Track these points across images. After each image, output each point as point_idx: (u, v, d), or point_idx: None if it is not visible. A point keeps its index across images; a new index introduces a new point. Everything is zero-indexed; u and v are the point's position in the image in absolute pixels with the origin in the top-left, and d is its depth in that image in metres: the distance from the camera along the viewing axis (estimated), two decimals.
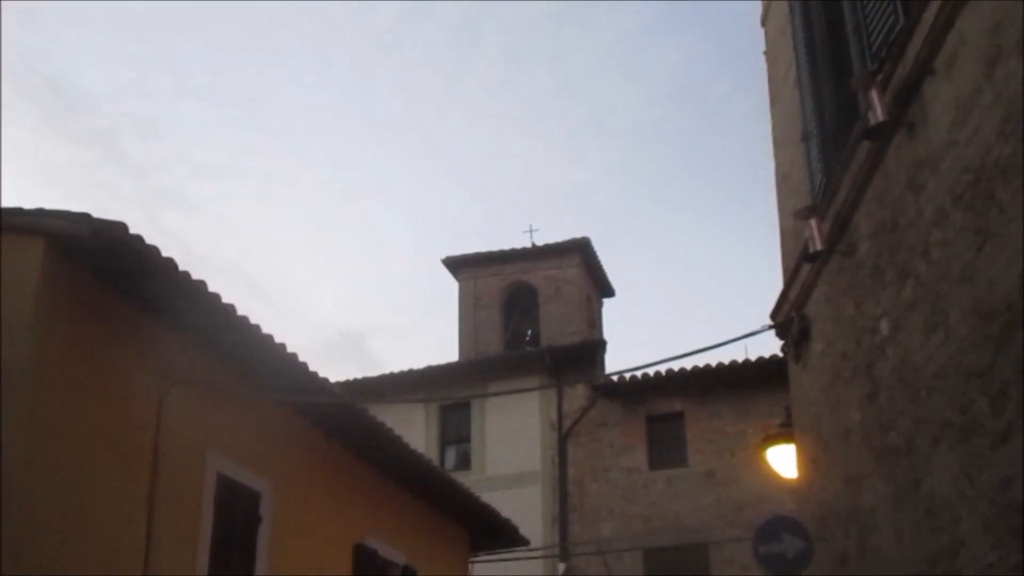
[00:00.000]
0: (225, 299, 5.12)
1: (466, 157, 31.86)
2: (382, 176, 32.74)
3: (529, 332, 16.37)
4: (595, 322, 16.26)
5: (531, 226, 16.85)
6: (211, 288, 4.97)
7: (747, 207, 33.35)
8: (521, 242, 16.66)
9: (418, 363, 17.65)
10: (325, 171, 32.94)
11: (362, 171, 32.84)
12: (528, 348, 14.91)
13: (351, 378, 13.41)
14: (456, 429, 13.19)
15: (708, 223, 32.95)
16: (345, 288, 33.05)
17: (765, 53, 6.49)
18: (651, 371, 12.31)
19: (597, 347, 13.41)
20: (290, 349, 5.74)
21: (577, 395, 12.94)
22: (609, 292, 16.92)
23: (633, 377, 12.51)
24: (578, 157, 32.70)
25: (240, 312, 5.25)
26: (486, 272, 15.74)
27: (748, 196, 33.35)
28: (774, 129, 6.38)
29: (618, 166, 32.66)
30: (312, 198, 33.10)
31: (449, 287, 16.37)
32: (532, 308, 15.72)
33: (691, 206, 33.17)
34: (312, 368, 5.98)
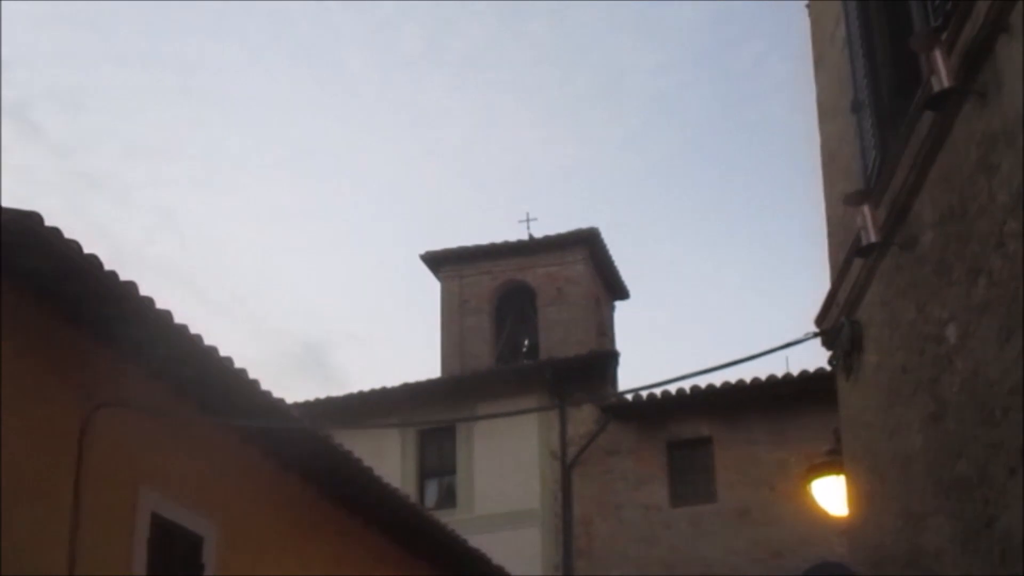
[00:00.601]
0: (161, 304, 5.15)
1: (449, 132, 31.24)
2: (349, 156, 32.14)
3: (526, 342, 16.55)
4: (605, 330, 16.42)
5: (528, 214, 16.37)
6: (144, 291, 5.00)
7: (786, 192, 33.12)
8: (516, 233, 16.84)
9: (392, 380, 17.79)
10: (280, 150, 32.15)
11: (324, 150, 32.23)
12: (525, 361, 15.00)
13: (312, 398, 13.52)
14: (438, 459, 13.31)
15: (739, 211, 32.60)
16: (305, 290, 32.63)
17: (808, 6, 6.35)
18: (672, 388, 12.44)
19: (608, 360, 13.49)
20: (239, 364, 5.82)
21: (584, 417, 13.01)
22: (622, 294, 17.16)
23: (651, 395, 12.59)
24: (583, 132, 32.23)
25: (179, 320, 5.30)
26: (474, 270, 15.85)
27: (787, 179, 33.02)
28: (818, 98, 6.20)
29: (631, 143, 32.02)
30: (265, 183, 32.29)
31: (429, 288, 16.69)
32: (529, 313, 15.88)
33: (718, 191, 32.86)
34: (265, 387, 6.06)
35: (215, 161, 31.09)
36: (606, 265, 16.30)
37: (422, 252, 15.91)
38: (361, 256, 31.86)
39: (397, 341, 31.62)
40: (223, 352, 5.72)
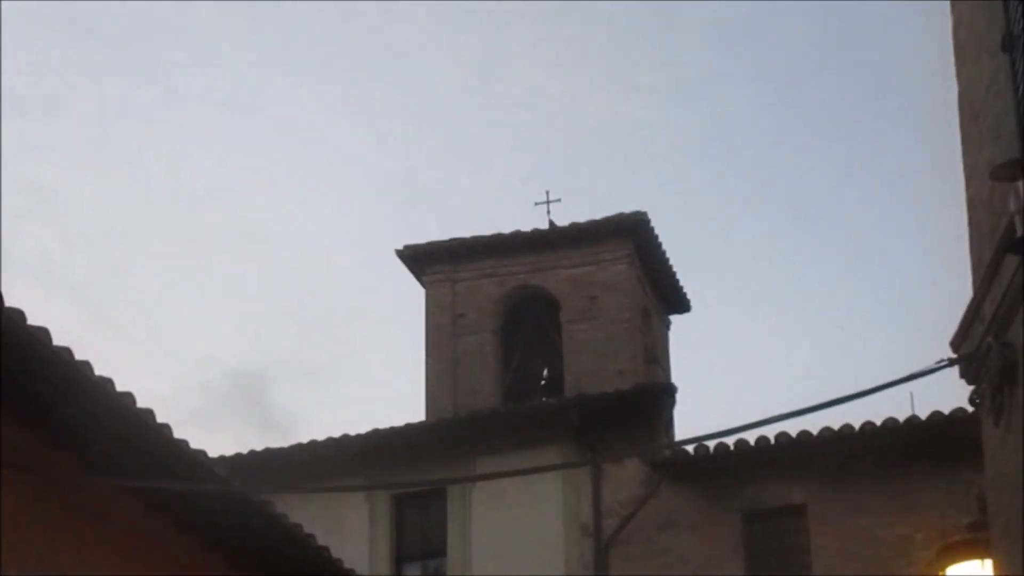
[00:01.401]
0: (34, 321, 5.17)
1: (438, 85, 30.95)
2: (296, 115, 31.81)
3: (545, 372, 16.68)
4: (656, 355, 16.48)
5: (548, 195, 16.41)
6: (8, 303, 5.02)
7: (906, 163, 31.67)
8: (531, 220, 16.85)
9: (357, 425, 17.74)
10: (209, 112, 31.49)
11: (270, 112, 31.78)
12: (544, 399, 15.14)
13: (244, 451, 13.58)
14: (422, 535, 13.36)
15: (839, 190, 31.90)
16: (237, 304, 32.24)
17: None
18: (751, 437, 12.32)
19: (660, 397, 13.47)
20: (142, 404, 5.84)
21: (627, 477, 12.97)
22: (680, 305, 17.23)
23: (721, 447, 12.56)
24: (622, 80, 31.50)
25: (58, 344, 5.30)
26: (472, 271, 15.97)
27: (908, 145, 32.26)
28: (955, 34, 6.18)
29: (688, 95, 31.25)
30: (185, 157, 31.84)
31: (410, 298, 16.77)
32: (550, 332, 15.98)
33: (810, 161, 32.19)
34: (179, 435, 6.07)
35: (120, 123, 30.71)
36: (658, 265, 16.34)
37: (400, 247, 16.03)
38: (314, 255, 31.97)
39: (364, 372, 31.70)
40: (121, 387, 5.74)
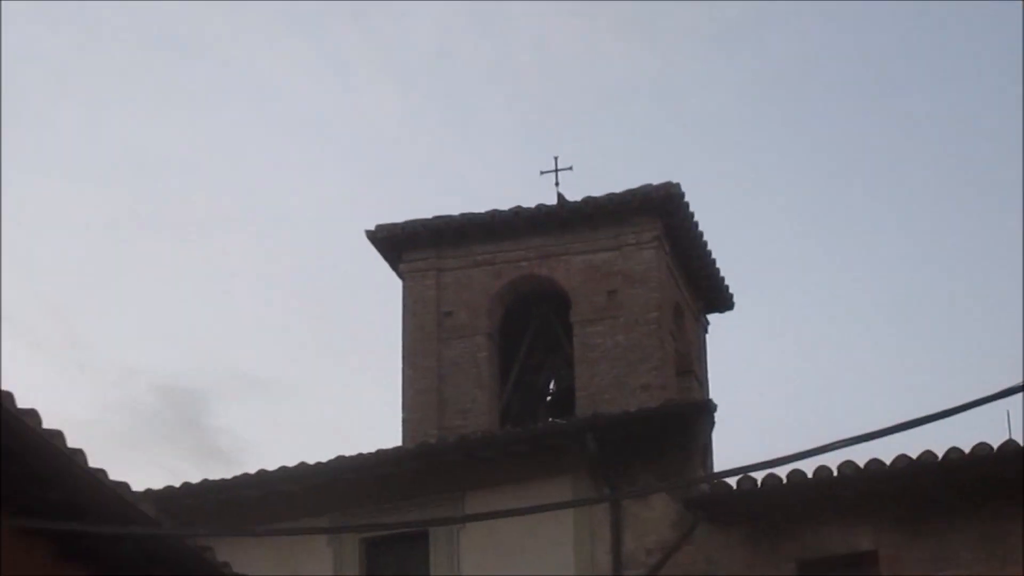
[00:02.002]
0: None
1: (421, 33, 31.16)
2: (252, 73, 31.87)
3: (552, 386, 16.89)
4: (692, 364, 16.61)
5: (556, 162, 16.47)
6: None
7: (997, 126, 31.77)
8: (536, 195, 16.88)
9: (319, 452, 17.76)
10: (141, 61, 31.41)
11: (213, 60, 31.75)
12: (551, 420, 14.92)
13: (178, 483, 13.54)
14: None
15: (910, 162, 32.08)
16: (172, 306, 32.27)
17: None
18: (808, 467, 12.44)
19: (696, 418, 13.37)
20: (49, 425, 5.84)
21: (655, 517, 12.86)
22: (720, 301, 17.42)
23: (771, 480, 12.47)
24: (646, 27, 32.02)
25: None
26: (461, 259, 16.13)
27: (1005, 103, 32.14)
28: None
29: (726, 42, 31.85)
30: (106, 116, 31.86)
31: (384, 292, 16.86)
32: (559, 335, 16.09)
33: (881, 124, 32.26)
34: (95, 464, 6.07)
35: (11, 72, 30.13)
36: (693, 250, 16.42)
37: (371, 228, 16.17)
38: (267, 240, 32.09)
39: (328, 387, 31.87)
40: (21, 403, 5.71)
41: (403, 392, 15.74)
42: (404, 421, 15.59)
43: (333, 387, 31.78)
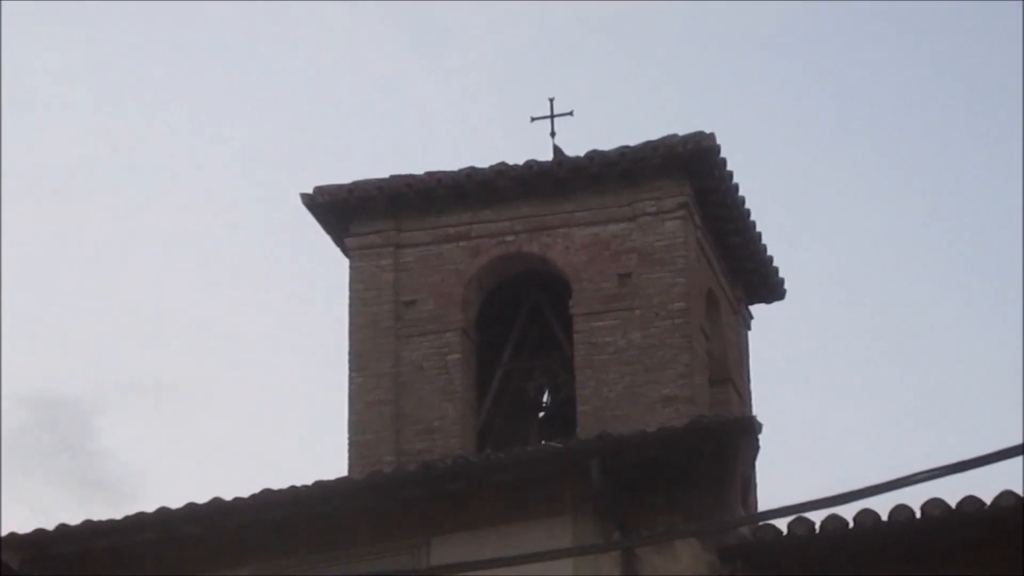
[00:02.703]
0: None
1: None
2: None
3: (546, 398, 17.09)
4: (728, 370, 16.70)
5: (552, 106, 16.50)
6: None
7: None
8: (524, 149, 17.66)
9: (240, 484, 17.60)
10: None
11: None
12: (545, 443, 15.07)
13: (51, 525, 13.25)
14: None
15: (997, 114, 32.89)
16: (46, 295, 33.41)
17: None
18: (881, 506, 12.31)
19: (734, 440, 13.21)
20: None
21: (680, 568, 12.67)
22: (767, 289, 17.62)
23: (833, 524, 12.36)
24: None
25: None
26: (427, 231, 16.21)
27: None
28: None
29: None
30: None
31: (326, 276, 16.99)
32: (555, 330, 16.21)
33: (963, 73, 33.01)
34: None
35: None
36: (732, 222, 16.51)
37: (308, 191, 16.28)
38: (172, 210, 33.05)
39: (249, 401, 33.36)
40: None
41: (350, 405, 15.79)
42: (351, 443, 15.62)
43: (257, 399, 32.59)
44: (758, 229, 16.81)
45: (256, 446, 30.62)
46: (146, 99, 33.61)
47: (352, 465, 15.35)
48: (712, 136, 15.58)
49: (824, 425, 30.08)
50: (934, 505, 12.19)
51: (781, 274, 17.54)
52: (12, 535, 12.62)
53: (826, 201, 31.75)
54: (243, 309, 31.69)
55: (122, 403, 33.06)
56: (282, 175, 31.74)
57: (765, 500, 15.14)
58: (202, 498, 13.23)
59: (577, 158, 15.89)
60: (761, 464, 14.24)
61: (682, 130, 15.64)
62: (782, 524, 12.47)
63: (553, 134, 16.38)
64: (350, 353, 16.00)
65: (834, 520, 12.31)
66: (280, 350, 32.02)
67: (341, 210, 16.21)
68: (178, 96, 33.70)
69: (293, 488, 13.16)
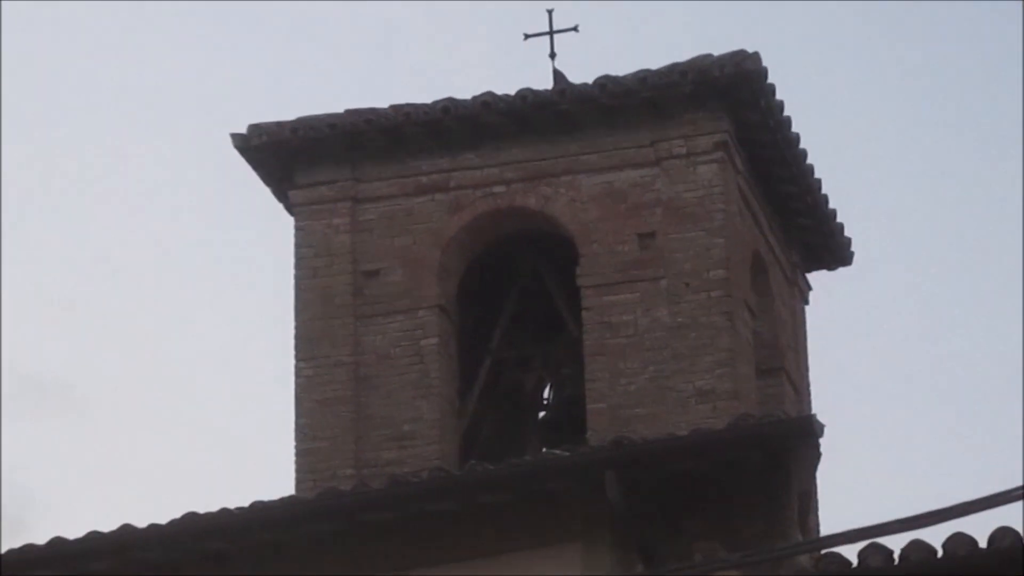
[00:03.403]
0: None
1: None
2: None
3: (548, 392, 17.34)
4: (782, 355, 16.80)
5: (551, 18, 16.47)
6: None
7: None
8: (517, 75, 17.09)
9: (152, 509, 17.47)
10: None
11: None
12: (548, 451, 14.99)
13: None
14: None
15: None
16: None
17: None
18: (980, 531, 12.01)
19: (791, 447, 13.19)
20: None
21: None
22: (830, 253, 17.75)
23: (916, 551, 12.22)
24: None
25: None
26: (394, 181, 16.25)
27: None
28: None
29: None
30: None
31: (266, 243, 16.84)
32: (559, 307, 16.30)
33: None
34: None
35: None
36: (786, 167, 16.55)
37: (241, 131, 16.27)
38: (76, 158, 32.98)
39: (169, 401, 33.42)
40: None
41: (297, 404, 15.84)
42: (299, 453, 15.67)
43: (180, 398, 32.57)
44: (817, 175, 16.78)
45: (179, 458, 30.65)
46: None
47: (300, 481, 15.40)
48: (757, 56, 15.55)
49: (903, 425, 30.08)
50: None
51: (848, 232, 17.56)
52: None
53: (907, 139, 31.63)
54: (160, 285, 31.63)
55: (8, 403, 33.02)
56: (209, 111, 31.83)
57: (828, 522, 15.20)
58: (107, 525, 13.27)
59: (584, 86, 15.84)
60: (823, 476, 14.25)
61: (718, 49, 15.64)
62: (851, 552, 12.46)
63: (553, 55, 16.42)
64: (297, 338, 16.00)
65: (917, 548, 12.27)
66: (208, 336, 32.07)
67: (284, 154, 16.21)
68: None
69: (225, 512, 13.16)
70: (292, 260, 16.26)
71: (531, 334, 16.55)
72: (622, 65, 15.94)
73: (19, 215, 33.19)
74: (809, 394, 17.24)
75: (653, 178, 15.68)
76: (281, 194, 16.49)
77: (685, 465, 12.77)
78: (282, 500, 13.59)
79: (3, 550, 13.39)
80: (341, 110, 16.16)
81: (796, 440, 12.97)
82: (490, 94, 15.91)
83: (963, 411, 30.78)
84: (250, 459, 32.76)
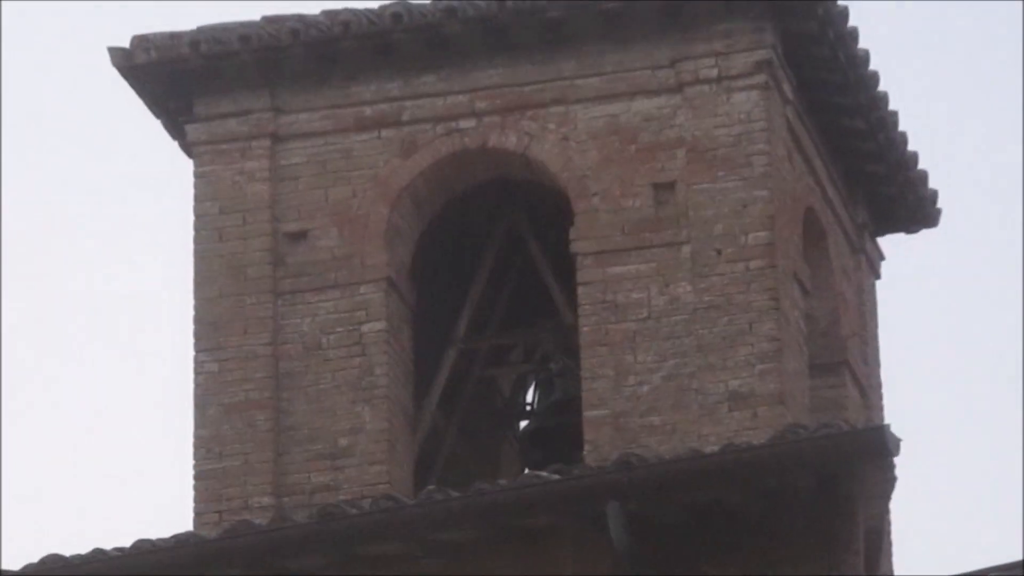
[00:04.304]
0: None
1: None
2: None
3: (530, 396, 17.47)
4: (844, 345, 16.90)
5: None
6: None
7: None
8: None
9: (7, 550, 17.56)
10: None
11: None
12: (531, 472, 14.88)
13: None
14: None
15: None
16: None
17: None
18: None
19: (856, 468, 13.27)
20: None
21: None
22: (909, 211, 17.87)
23: None
24: None
25: None
26: (324, 113, 16.29)
27: None
28: None
29: None
30: None
31: (157, 193, 16.64)
32: (548, 281, 16.36)
33: None
34: None
35: None
36: (849, 94, 16.58)
37: (123, 44, 16.24)
38: None
39: (34, 403, 33.32)
40: None
41: (196, 411, 15.86)
42: (199, 476, 15.68)
43: (46, 402, 32.53)
44: (892, 107, 16.77)
45: (42, 484, 30.70)
46: None
47: (200, 514, 15.39)
48: None
49: (1002, 438, 30.20)
50: None
51: (932, 183, 17.61)
52: None
53: (1008, 62, 31.73)
54: (15, 246, 31.72)
55: None
56: (82, 18, 31.79)
57: (904, 563, 15.19)
58: None
59: None
60: (898, 507, 14.28)
61: None
62: None
63: None
64: (196, 322, 16.01)
65: None
66: (81, 317, 32.10)
67: (180, 76, 16.20)
68: None
69: (98, 554, 13.27)
70: (192, 223, 16.25)
71: (509, 318, 16.66)
72: None
73: None
74: (880, 398, 17.30)
75: (673, 110, 15.70)
76: (176, 129, 16.48)
77: (713, 494, 12.88)
78: (175, 539, 13.61)
79: None
80: (256, 16, 16.10)
81: (863, 460, 13.04)
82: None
83: None
84: (136, 487, 33.44)
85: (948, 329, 28.01)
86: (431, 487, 14.31)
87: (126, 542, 13.21)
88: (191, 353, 15.99)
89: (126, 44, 16.19)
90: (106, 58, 16.28)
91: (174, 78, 16.28)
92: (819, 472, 12.91)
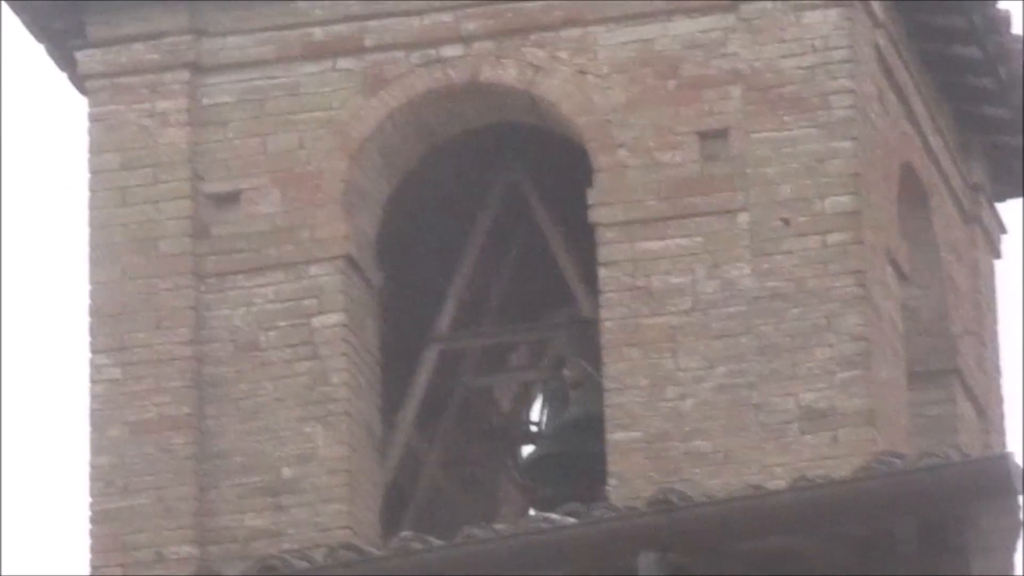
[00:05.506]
0: None
1: None
2: None
3: (535, 413, 17.67)
4: (954, 346, 17.07)
5: None
6: None
7: None
8: None
9: None
10: None
11: None
12: (540, 514, 14.96)
13: None
14: None
15: None
16: None
17: None
18: None
19: (969, 506, 13.43)
20: None
21: None
22: None
23: None
24: None
25: None
26: (259, 36, 16.45)
27: None
28: None
29: None
30: None
31: (47, 142, 16.70)
32: (563, 261, 16.46)
33: None
34: None
35: None
36: (960, 14, 16.69)
37: None
38: None
39: None
40: None
41: (93, 431, 16.10)
42: (96, 518, 15.93)
43: None
44: (1017, 30, 17.03)
45: None
46: None
47: (99, 566, 15.64)
48: None
49: None
50: None
51: None
52: None
53: None
54: None
55: None
56: None
57: None
58: None
59: None
60: None
61: None
62: None
63: None
64: (92, 313, 16.23)
65: None
66: None
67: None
68: None
69: None
70: (85, 176, 16.38)
71: (508, 309, 16.95)
72: None
73: None
74: (1002, 417, 17.42)
75: (725, 34, 15.93)
76: (65, 58, 16.63)
77: (779, 544, 13.29)
78: None
79: None
80: None
81: (979, 499, 13.35)
82: None
83: None
84: (22, 528, 33.87)
85: None
86: (405, 533, 14.38)
87: None
88: (86, 355, 16.11)
89: None
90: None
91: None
92: (921, 515, 13.24)
